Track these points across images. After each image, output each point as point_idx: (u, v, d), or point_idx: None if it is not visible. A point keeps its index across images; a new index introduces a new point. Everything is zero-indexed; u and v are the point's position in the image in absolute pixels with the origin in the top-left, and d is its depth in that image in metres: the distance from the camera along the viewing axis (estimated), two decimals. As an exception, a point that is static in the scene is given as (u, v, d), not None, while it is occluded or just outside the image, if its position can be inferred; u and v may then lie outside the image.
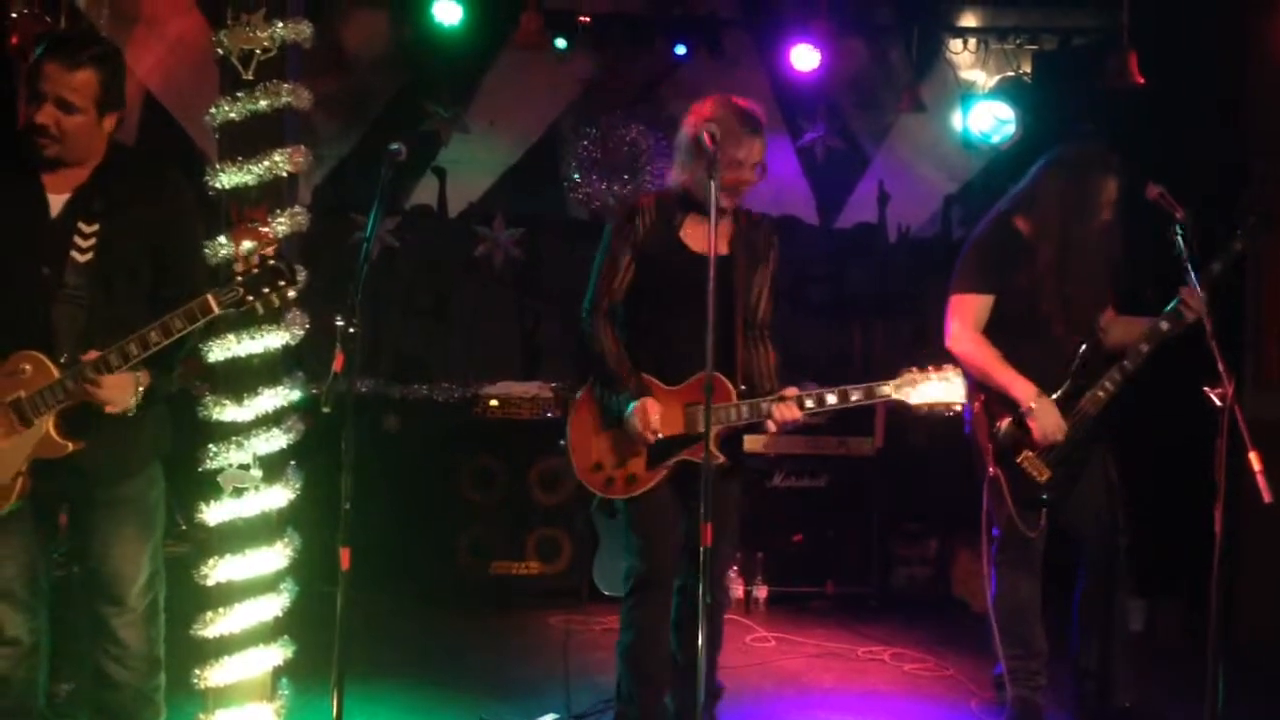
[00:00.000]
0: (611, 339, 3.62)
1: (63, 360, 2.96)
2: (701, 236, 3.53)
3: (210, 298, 2.97)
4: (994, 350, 3.95)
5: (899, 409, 3.57)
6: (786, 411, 3.47)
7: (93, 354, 2.94)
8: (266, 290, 3.00)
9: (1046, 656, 4.10)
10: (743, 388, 3.56)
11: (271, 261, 3.01)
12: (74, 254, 3.00)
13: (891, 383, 3.48)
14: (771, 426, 3.50)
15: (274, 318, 3.44)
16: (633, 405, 3.50)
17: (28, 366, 2.96)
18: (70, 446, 3.00)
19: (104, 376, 2.94)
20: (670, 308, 3.51)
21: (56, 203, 3.04)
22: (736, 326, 3.59)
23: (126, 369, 2.96)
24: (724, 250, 3.58)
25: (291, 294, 3.07)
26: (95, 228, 3.02)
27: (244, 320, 3.57)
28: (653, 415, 3.49)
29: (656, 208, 3.63)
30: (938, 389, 3.46)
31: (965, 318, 4.03)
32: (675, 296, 3.48)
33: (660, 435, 3.51)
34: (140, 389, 3.04)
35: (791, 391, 3.50)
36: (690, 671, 3.79)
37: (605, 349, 3.60)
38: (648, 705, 3.70)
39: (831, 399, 3.49)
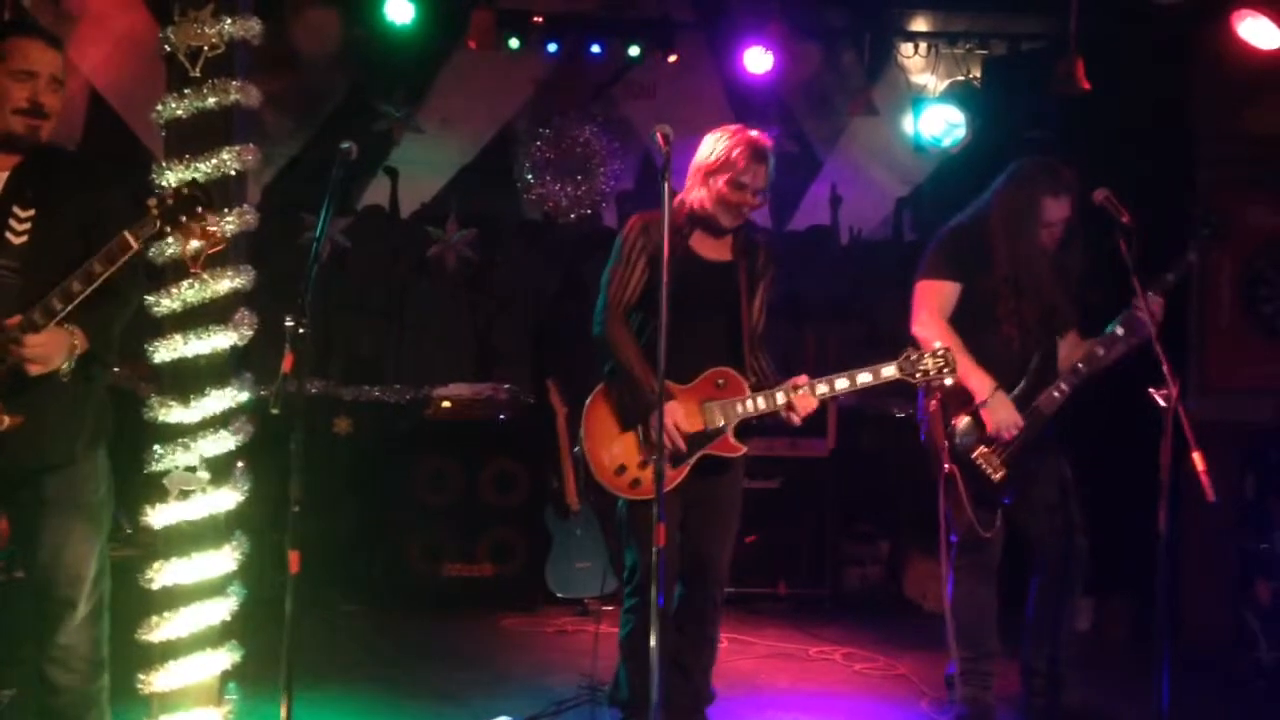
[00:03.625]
0: (631, 341, 3.70)
1: None
2: (710, 248, 3.77)
3: (127, 234, 2.91)
4: (957, 340, 3.98)
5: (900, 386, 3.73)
6: (804, 399, 3.61)
7: (16, 317, 2.88)
8: (184, 218, 2.94)
9: (998, 657, 4.14)
10: (753, 381, 3.71)
11: (186, 190, 2.96)
12: (8, 235, 2.97)
13: (894, 363, 3.64)
14: (795, 419, 3.64)
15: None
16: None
17: None
18: (7, 420, 2.93)
19: (30, 335, 2.88)
20: (681, 311, 3.55)
21: None
22: (743, 330, 3.73)
23: (54, 326, 2.90)
24: (728, 258, 3.78)
25: (212, 222, 3.01)
26: (31, 212, 3.00)
27: (191, 320, 3.52)
28: (673, 415, 3.59)
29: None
30: (933, 364, 3.63)
31: (931, 305, 4.07)
32: (686, 301, 3.55)
33: (677, 439, 3.60)
34: (75, 351, 2.99)
35: (801, 380, 3.64)
36: (691, 674, 3.84)
37: (627, 353, 3.66)
38: (645, 696, 3.71)
39: (842, 383, 3.64)
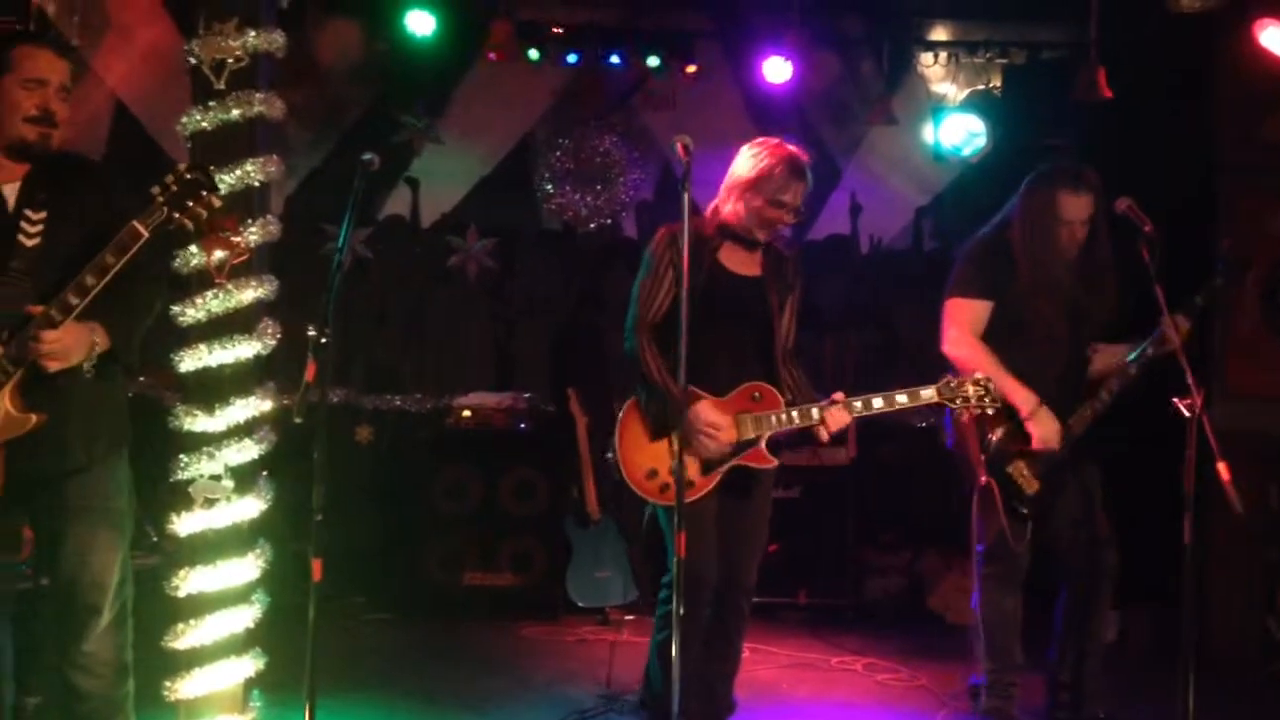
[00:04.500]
0: (654, 356, 3.71)
1: (4, 338, 2.92)
2: (739, 261, 3.78)
3: (136, 223, 2.93)
4: (992, 356, 3.96)
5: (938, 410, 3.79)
6: (838, 415, 3.62)
7: (35, 308, 2.90)
8: (191, 204, 2.97)
9: (1023, 669, 4.12)
10: (788, 395, 3.71)
11: (189, 174, 2.98)
12: (21, 238, 2.99)
13: (933, 387, 3.64)
14: (824, 433, 3.65)
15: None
16: (686, 412, 3.54)
17: None
18: (33, 419, 2.95)
19: (47, 331, 2.90)
20: (712, 324, 3.57)
21: (9, 194, 3.05)
22: (775, 344, 3.76)
23: (72, 322, 2.92)
24: (757, 272, 3.79)
25: (217, 202, 3.03)
26: (43, 215, 3.02)
27: (215, 329, 3.55)
28: (709, 415, 3.61)
29: (694, 234, 3.69)
30: (974, 391, 3.63)
31: (963, 322, 4.05)
32: (716, 314, 3.60)
33: (719, 439, 3.62)
34: (96, 348, 3.01)
35: (838, 396, 3.64)
36: (714, 684, 3.85)
37: (653, 366, 3.69)
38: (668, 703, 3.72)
39: (878, 403, 3.65)
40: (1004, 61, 6.70)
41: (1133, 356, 3.97)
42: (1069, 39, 6.36)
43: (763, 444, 3.67)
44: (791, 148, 3.71)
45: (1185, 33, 5.30)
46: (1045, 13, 6.43)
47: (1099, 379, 4.06)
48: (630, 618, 5.79)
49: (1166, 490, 3.61)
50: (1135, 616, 5.54)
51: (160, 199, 2.95)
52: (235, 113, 3.59)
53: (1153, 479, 4.23)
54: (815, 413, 3.64)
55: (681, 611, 3.57)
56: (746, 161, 3.70)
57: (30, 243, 3.00)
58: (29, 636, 3.76)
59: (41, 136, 3.04)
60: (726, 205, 3.73)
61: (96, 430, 3.13)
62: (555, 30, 6.61)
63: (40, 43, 3.10)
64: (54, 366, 2.94)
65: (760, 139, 3.76)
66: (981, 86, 6.73)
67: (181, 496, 3.54)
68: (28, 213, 3.02)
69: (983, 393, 3.63)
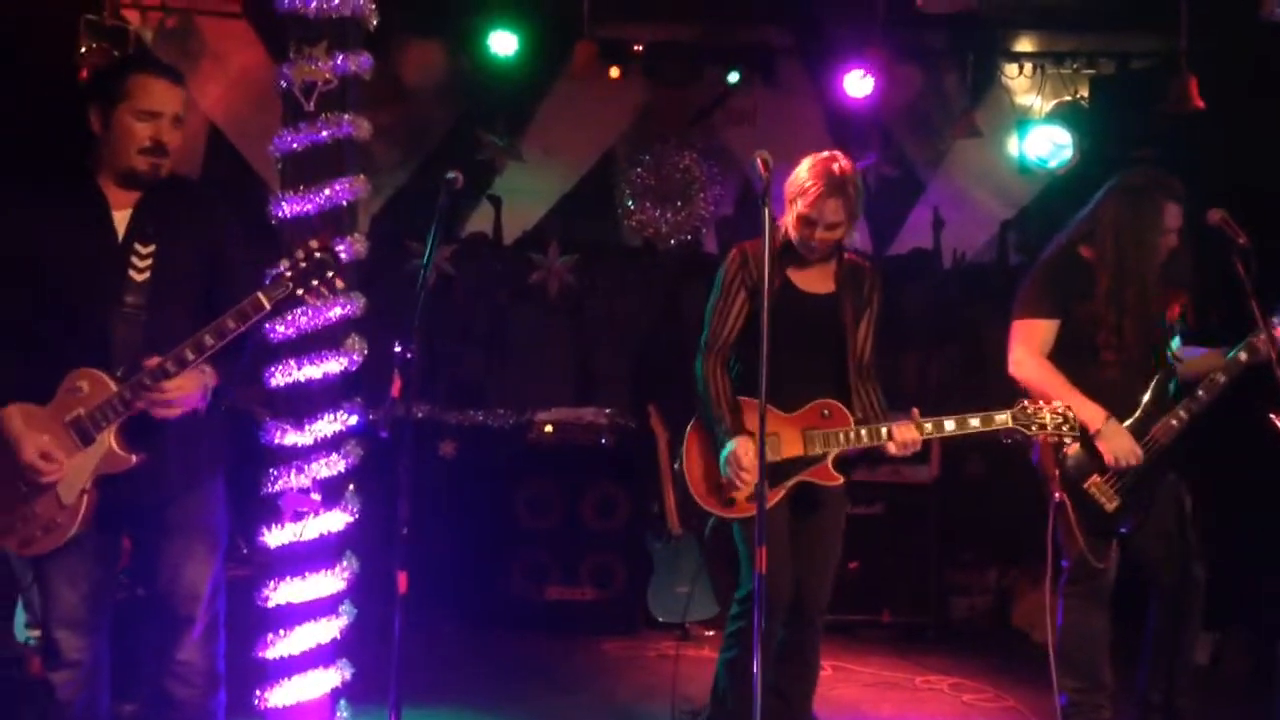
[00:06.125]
0: (722, 380, 3.73)
1: (119, 374, 2.99)
2: (809, 278, 3.75)
3: (261, 294, 2.97)
4: (1060, 375, 3.90)
5: (1011, 437, 3.69)
6: (906, 432, 3.58)
7: (153, 360, 2.96)
8: (315, 282, 3.00)
9: (1112, 690, 4.02)
10: (859, 414, 3.68)
11: (318, 254, 3.01)
12: (131, 273, 3.05)
13: (1008, 411, 3.59)
14: (892, 449, 3.61)
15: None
16: (730, 446, 3.60)
17: (84, 384, 2.98)
18: (134, 459, 3.01)
19: (168, 382, 2.96)
20: (781, 343, 3.55)
21: (119, 223, 3.10)
22: (848, 360, 3.73)
23: (185, 373, 2.98)
24: (830, 289, 3.75)
25: (340, 284, 3.08)
26: (152, 248, 3.07)
27: (305, 346, 3.63)
28: (745, 459, 3.57)
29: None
30: (1051, 420, 3.58)
31: (1030, 343, 3.99)
32: (785, 333, 3.53)
33: (746, 480, 3.58)
34: (209, 388, 3.06)
35: (914, 415, 3.61)
36: (792, 701, 3.82)
37: (714, 391, 3.70)
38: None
39: (949, 425, 3.61)
40: (1091, 72, 6.60)
41: (1229, 358, 3.87)
42: (1159, 49, 6.23)
43: (829, 461, 3.64)
44: (836, 164, 3.60)
45: (1277, 41, 5.18)
46: (1134, 22, 6.30)
47: (1188, 386, 3.96)
48: (711, 633, 5.77)
49: (1264, 509, 3.52)
50: (1232, 639, 5.38)
51: (288, 275, 2.99)
52: (324, 134, 3.67)
53: (1249, 497, 4.12)
54: (884, 431, 3.60)
55: (749, 626, 3.58)
56: (790, 178, 3.66)
57: (140, 276, 3.05)
58: (125, 646, 3.86)
59: (153, 167, 3.07)
60: (784, 223, 3.71)
61: (196, 460, 3.19)
62: (636, 48, 6.65)
63: (156, 72, 3.09)
64: (173, 415, 3.00)
65: (813, 155, 3.68)
66: (1068, 98, 6.62)
67: (271, 509, 3.61)
68: (137, 246, 3.06)
69: (1061, 420, 3.57)
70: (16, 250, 3.01)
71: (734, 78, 6.78)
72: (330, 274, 3.01)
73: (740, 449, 3.58)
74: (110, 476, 3.02)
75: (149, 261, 3.06)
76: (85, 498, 3.00)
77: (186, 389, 2.99)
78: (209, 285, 3.18)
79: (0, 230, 3.03)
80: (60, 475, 2.98)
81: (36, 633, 4.05)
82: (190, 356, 2.95)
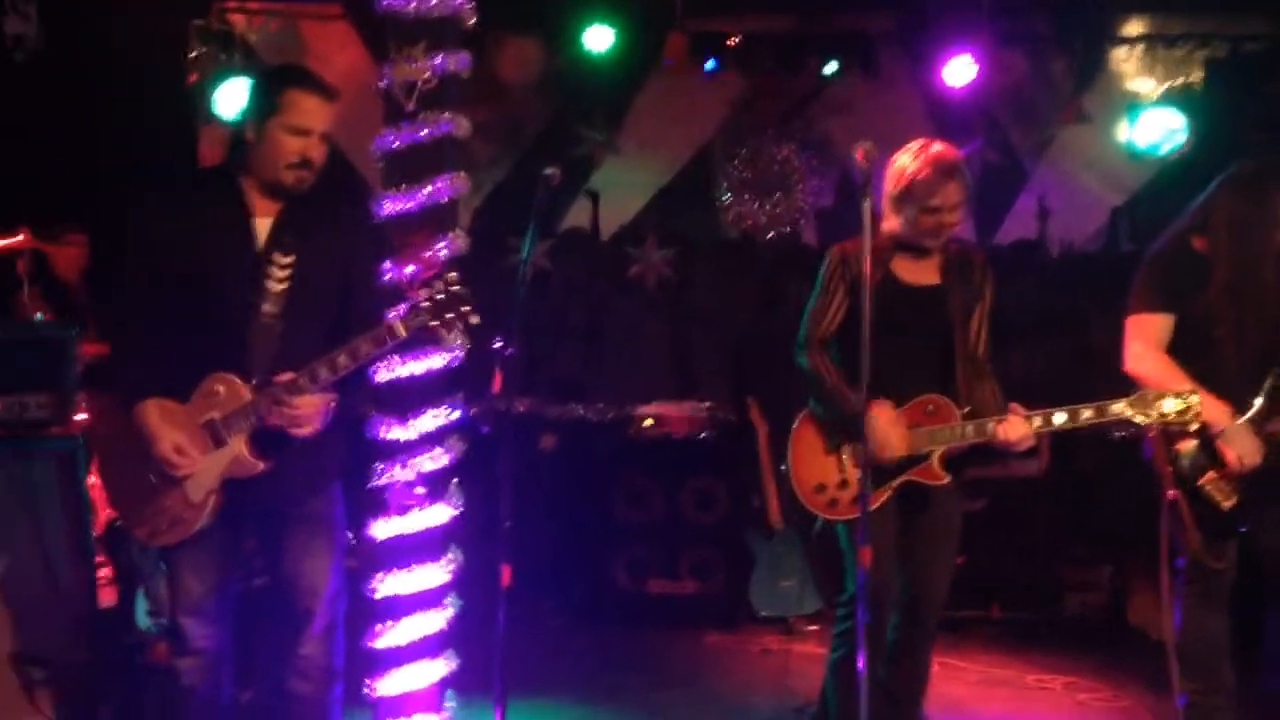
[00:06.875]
0: (829, 367, 3.67)
1: (254, 383, 3.06)
2: (914, 270, 3.67)
3: (399, 323, 3.02)
4: (1179, 370, 3.77)
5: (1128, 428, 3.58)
6: (1012, 428, 3.47)
7: (288, 375, 3.02)
8: (451, 316, 3.03)
9: (1233, 691, 3.88)
10: (967, 409, 3.58)
11: (455, 287, 3.04)
12: (270, 282, 3.11)
13: (1124, 400, 3.45)
14: (999, 441, 3.51)
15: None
16: (870, 420, 3.40)
17: (221, 389, 3.07)
18: (262, 466, 3.09)
19: (295, 398, 3.02)
20: (884, 337, 3.50)
21: (260, 231, 3.15)
22: (956, 354, 3.64)
23: (315, 390, 3.04)
24: (936, 280, 3.68)
25: (475, 319, 3.07)
26: (291, 258, 3.13)
27: (408, 342, 3.66)
28: (884, 424, 3.50)
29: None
30: (1174, 408, 3.41)
31: (1147, 338, 3.86)
32: (888, 327, 3.49)
33: (895, 444, 3.52)
34: (331, 410, 3.12)
35: (1018, 409, 3.51)
36: (902, 701, 3.77)
37: (825, 376, 3.65)
38: None
39: (1059, 418, 3.48)
40: (1204, 54, 6.38)
41: None
42: (1274, 30, 6.01)
43: (935, 460, 3.56)
44: (935, 147, 3.57)
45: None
46: (1248, 3, 6.09)
47: None
48: (813, 628, 5.72)
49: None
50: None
51: (425, 306, 3.02)
52: (424, 132, 3.70)
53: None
54: (990, 427, 3.50)
55: (854, 627, 3.53)
56: (893, 173, 3.61)
57: (278, 287, 3.11)
58: (244, 636, 3.96)
59: (298, 180, 3.12)
60: (888, 220, 3.65)
61: (321, 466, 3.26)
62: (731, 40, 6.61)
63: (309, 88, 3.13)
64: (299, 434, 3.06)
65: (909, 144, 3.63)
66: (1180, 81, 6.41)
67: (378, 503, 3.67)
68: (276, 256, 3.12)
69: (1183, 407, 3.40)
70: (162, 251, 3.09)
71: (832, 68, 6.69)
72: (465, 308, 3.01)
73: (882, 414, 3.48)
74: (236, 480, 3.09)
75: (287, 272, 3.12)
76: (212, 499, 3.09)
77: (312, 409, 3.05)
78: (343, 291, 3.23)
79: (147, 231, 3.12)
80: (191, 471, 3.06)
81: (157, 620, 4.19)
82: (324, 374, 3.02)
